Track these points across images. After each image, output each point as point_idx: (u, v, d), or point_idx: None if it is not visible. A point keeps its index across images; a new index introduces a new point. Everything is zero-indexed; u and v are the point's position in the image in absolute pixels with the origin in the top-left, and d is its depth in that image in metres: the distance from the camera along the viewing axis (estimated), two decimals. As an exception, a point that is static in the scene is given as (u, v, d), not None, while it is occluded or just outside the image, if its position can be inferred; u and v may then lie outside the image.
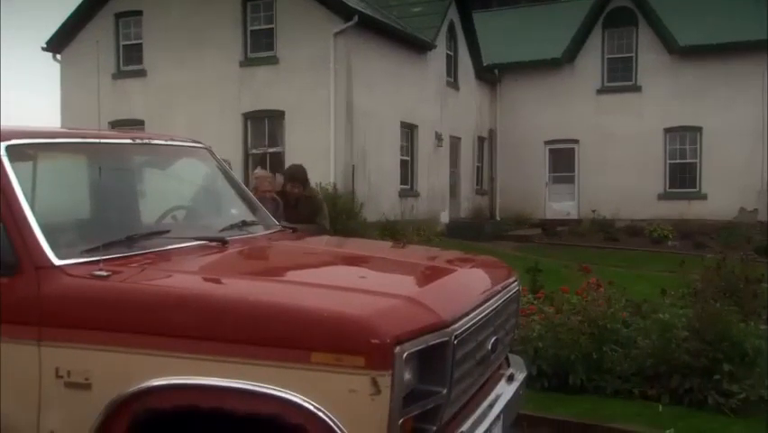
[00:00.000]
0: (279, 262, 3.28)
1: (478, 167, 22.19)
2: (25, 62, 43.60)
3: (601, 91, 20.89)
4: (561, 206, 21.40)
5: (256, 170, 7.72)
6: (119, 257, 2.81)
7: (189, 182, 3.92)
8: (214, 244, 3.16)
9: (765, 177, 18.64)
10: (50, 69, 18.02)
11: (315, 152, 14.65)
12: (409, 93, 17.18)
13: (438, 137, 18.82)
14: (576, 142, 21.32)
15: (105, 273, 2.61)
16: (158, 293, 2.53)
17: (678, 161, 20.06)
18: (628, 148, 19.95)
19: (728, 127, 18.91)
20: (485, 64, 21.45)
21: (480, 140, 22.19)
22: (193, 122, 14.86)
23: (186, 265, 2.85)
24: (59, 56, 17.73)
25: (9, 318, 2.61)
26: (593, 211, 19.83)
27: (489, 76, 22.07)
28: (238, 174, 14.58)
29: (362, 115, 15.28)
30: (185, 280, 2.66)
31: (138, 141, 3.44)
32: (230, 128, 15.62)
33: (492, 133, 22.71)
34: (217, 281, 2.71)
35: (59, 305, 2.58)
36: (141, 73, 16.85)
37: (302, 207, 6.37)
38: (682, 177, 20.06)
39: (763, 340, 5.32)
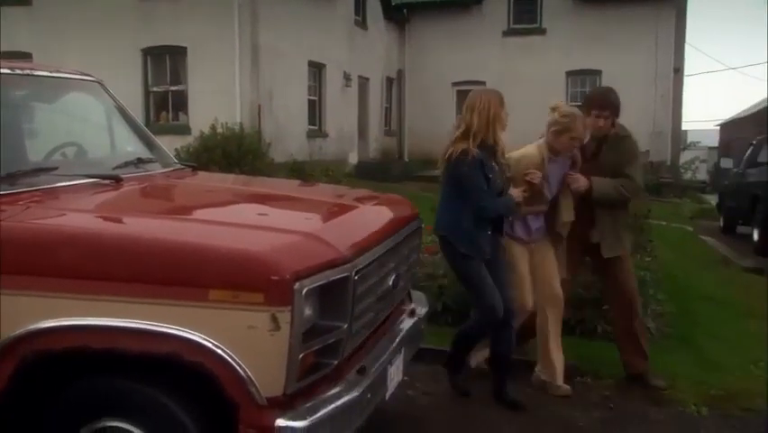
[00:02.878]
0: (177, 201, 3.18)
1: (386, 108, 22.17)
2: None
3: (507, 33, 21.14)
4: (467, 147, 21.73)
5: (559, 105, 4.25)
6: (1, 195, 2.65)
7: (79, 118, 3.72)
8: (107, 181, 3.03)
9: (655, 120, 19.55)
10: None
11: (219, 90, 14.22)
12: (317, 32, 16.82)
13: (346, 77, 18.61)
14: (483, 83, 21.52)
15: (-15, 212, 2.47)
16: (45, 232, 2.42)
17: (578, 103, 20.65)
18: (532, 90, 20.30)
19: (625, 71, 19.56)
20: (393, 3, 21.21)
21: (389, 80, 22.11)
22: (86, 57, 13.98)
23: (76, 203, 2.72)
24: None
25: None
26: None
27: (398, 15, 21.87)
28: (139, 113, 14.00)
29: (269, 53, 14.87)
30: (75, 218, 2.54)
31: (19, 71, 3.21)
32: (128, 64, 14.87)
33: (401, 73, 22.66)
34: (110, 220, 2.60)
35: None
36: (26, 1, 15.66)
37: (609, 152, 4.35)
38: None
39: (648, 272, 5.66)
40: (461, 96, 21.99)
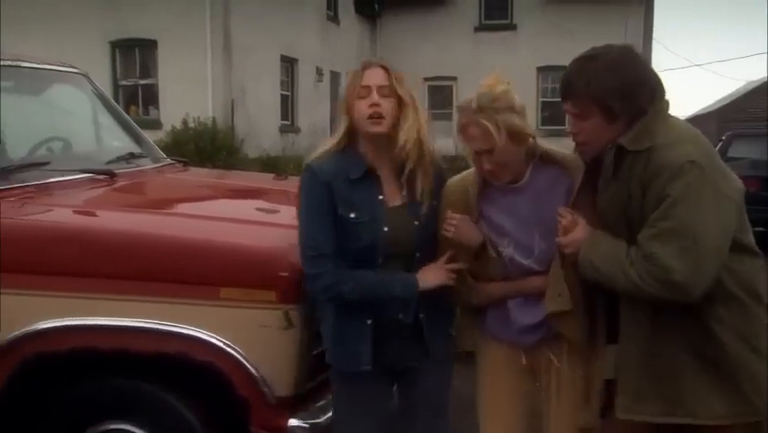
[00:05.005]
0: (176, 196, 3.11)
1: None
2: None
3: (479, 29, 21.22)
4: (439, 142, 21.74)
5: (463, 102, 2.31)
6: (-5, 191, 2.56)
7: (66, 111, 3.61)
8: (101, 177, 2.95)
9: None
10: None
11: (191, 85, 13.99)
12: (289, 26, 16.67)
13: (319, 72, 18.50)
14: (454, 79, 21.62)
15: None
16: (45, 229, 2.33)
17: (549, 99, 20.85)
18: (504, 86, 20.51)
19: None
20: (365, -2, 21.15)
21: (361, 76, 22.02)
22: (51, 48, 13.59)
23: (73, 199, 2.64)
24: None
25: None
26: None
27: (369, 10, 21.80)
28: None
29: (241, 47, 14.69)
30: (76, 215, 2.46)
31: (3, 62, 3.10)
32: (96, 57, 14.54)
33: (372, 69, 22.59)
34: (113, 217, 2.53)
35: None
36: (-15, -11, 15.22)
37: (620, 182, 2.01)
38: (554, 115, 20.91)
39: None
40: (433, 91, 22.03)
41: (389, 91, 2.09)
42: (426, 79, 21.89)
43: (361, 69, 2.12)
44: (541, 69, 20.76)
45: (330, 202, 2.08)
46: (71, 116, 3.57)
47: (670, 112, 2.01)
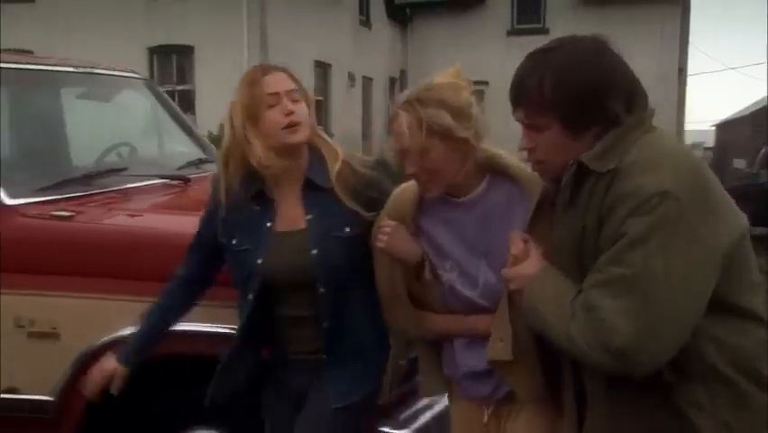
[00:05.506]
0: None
1: (389, 108, 22.09)
2: None
3: (511, 33, 21.11)
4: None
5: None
6: (77, 196, 2.58)
7: (133, 116, 3.63)
8: (175, 182, 2.95)
9: (660, 123, 19.52)
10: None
11: (227, 90, 13.89)
12: (323, 31, 16.73)
13: (351, 77, 18.53)
14: (486, 84, 21.52)
15: (67, 213, 2.39)
16: (133, 233, 2.33)
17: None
18: (537, 90, 20.36)
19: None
20: (396, 2, 21.15)
21: (392, 80, 22.03)
22: (90, 56, 13.84)
23: (156, 204, 2.64)
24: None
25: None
26: (502, 153, 20.21)
27: (401, 15, 21.80)
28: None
29: (277, 52, 14.75)
30: (159, 219, 2.46)
31: (81, 69, 3.13)
32: (134, 63, 14.65)
33: (403, 74, 22.57)
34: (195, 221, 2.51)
35: (17, 248, 2.34)
36: (28, -2, 15.47)
37: (575, 211, 1.58)
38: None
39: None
40: (465, 96, 21.99)
41: (300, 96, 1.89)
42: (458, 84, 21.87)
43: (260, 75, 1.88)
44: (574, 74, 20.61)
45: (210, 226, 1.94)
46: (138, 122, 3.59)
47: (666, 124, 1.62)
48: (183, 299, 2.02)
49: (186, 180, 2.96)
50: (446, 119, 1.64)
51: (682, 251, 1.35)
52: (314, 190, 1.89)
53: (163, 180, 2.91)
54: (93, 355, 2.24)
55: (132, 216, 2.49)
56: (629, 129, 1.48)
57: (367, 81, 19.92)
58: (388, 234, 1.76)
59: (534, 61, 1.56)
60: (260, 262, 1.85)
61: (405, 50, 22.48)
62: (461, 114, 1.67)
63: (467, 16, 21.28)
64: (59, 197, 2.51)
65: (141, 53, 15.01)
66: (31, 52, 14.87)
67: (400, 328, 1.89)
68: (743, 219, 1.46)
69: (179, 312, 2.02)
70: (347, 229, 1.87)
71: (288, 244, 1.86)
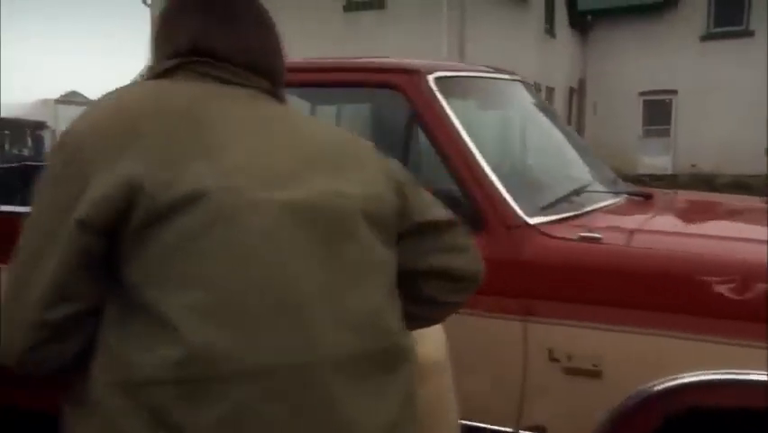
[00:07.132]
0: (733, 217, 2.73)
1: (568, 118, 21.38)
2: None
3: (706, 37, 19.76)
4: (654, 160, 20.50)
5: None
6: (574, 215, 2.33)
7: (525, 123, 3.39)
8: (637, 198, 2.66)
9: None
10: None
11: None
12: (512, 41, 16.38)
13: (537, 88, 18.02)
14: (674, 92, 20.32)
15: (597, 235, 2.13)
16: (695, 261, 2.03)
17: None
18: (734, 98, 18.91)
19: None
20: (579, 10, 20.46)
21: (571, 90, 21.32)
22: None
23: (677, 225, 2.35)
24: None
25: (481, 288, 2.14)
26: (693, 165, 18.95)
27: (582, 22, 21.06)
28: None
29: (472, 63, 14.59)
30: (707, 244, 2.14)
31: (514, 78, 2.92)
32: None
33: (582, 83, 21.80)
34: (712, 242, 2.18)
35: (550, 273, 2.11)
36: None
37: None
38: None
39: None
40: (649, 105, 20.85)
41: None
42: (641, 93, 20.78)
43: None
44: (782, 80, 18.97)
45: None
46: (541, 129, 3.33)
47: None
48: None
49: (647, 197, 2.66)
50: None
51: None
52: None
53: (626, 196, 2.62)
54: (642, 402, 1.96)
55: (662, 239, 2.19)
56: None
57: (549, 91, 19.34)
58: None
59: None
60: None
61: (583, 59, 21.70)
62: None
63: (654, 21, 20.18)
64: (562, 216, 2.27)
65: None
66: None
67: None
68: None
69: None
70: None
71: None
